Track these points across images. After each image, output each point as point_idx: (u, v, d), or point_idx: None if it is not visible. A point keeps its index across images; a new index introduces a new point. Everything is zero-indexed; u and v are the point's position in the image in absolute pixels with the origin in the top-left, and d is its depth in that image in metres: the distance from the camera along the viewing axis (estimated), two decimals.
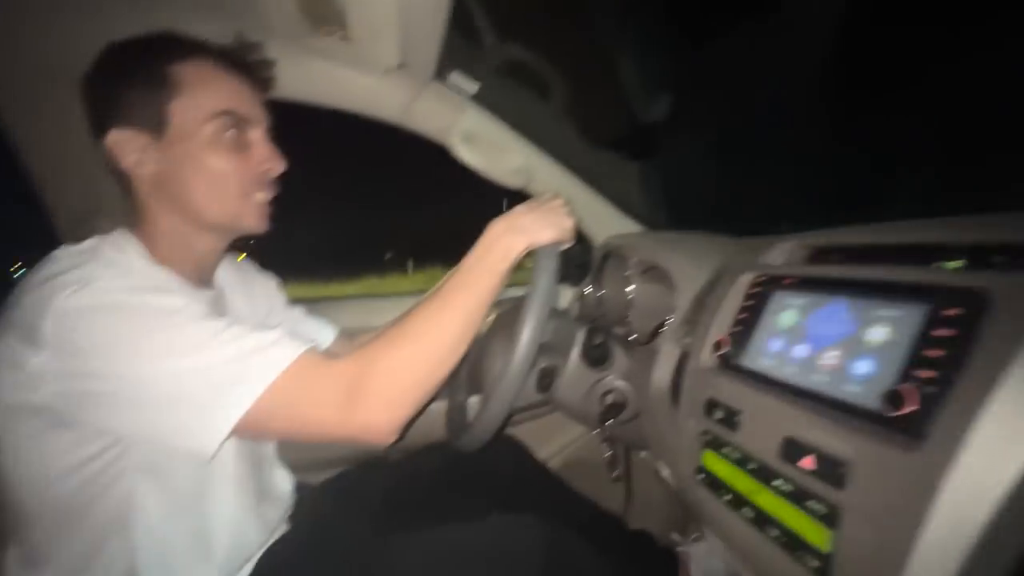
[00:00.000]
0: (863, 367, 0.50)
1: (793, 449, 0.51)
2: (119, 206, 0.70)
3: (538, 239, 0.68)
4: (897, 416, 0.43)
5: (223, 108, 0.65)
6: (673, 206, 1.38)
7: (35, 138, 0.96)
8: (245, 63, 0.70)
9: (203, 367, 0.52)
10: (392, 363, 0.58)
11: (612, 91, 1.51)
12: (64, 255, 0.57)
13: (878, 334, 0.50)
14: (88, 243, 0.60)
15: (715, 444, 0.63)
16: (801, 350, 0.58)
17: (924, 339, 0.45)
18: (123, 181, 0.67)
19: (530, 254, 0.74)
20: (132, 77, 0.62)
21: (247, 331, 0.55)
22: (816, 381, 0.54)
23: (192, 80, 0.64)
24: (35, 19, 0.80)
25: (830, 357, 0.54)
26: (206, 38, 0.69)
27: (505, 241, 0.67)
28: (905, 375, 0.45)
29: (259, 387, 0.52)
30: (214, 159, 0.65)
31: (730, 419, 0.60)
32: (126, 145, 0.63)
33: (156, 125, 0.63)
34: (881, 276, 0.53)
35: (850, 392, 0.50)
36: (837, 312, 0.56)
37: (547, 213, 0.70)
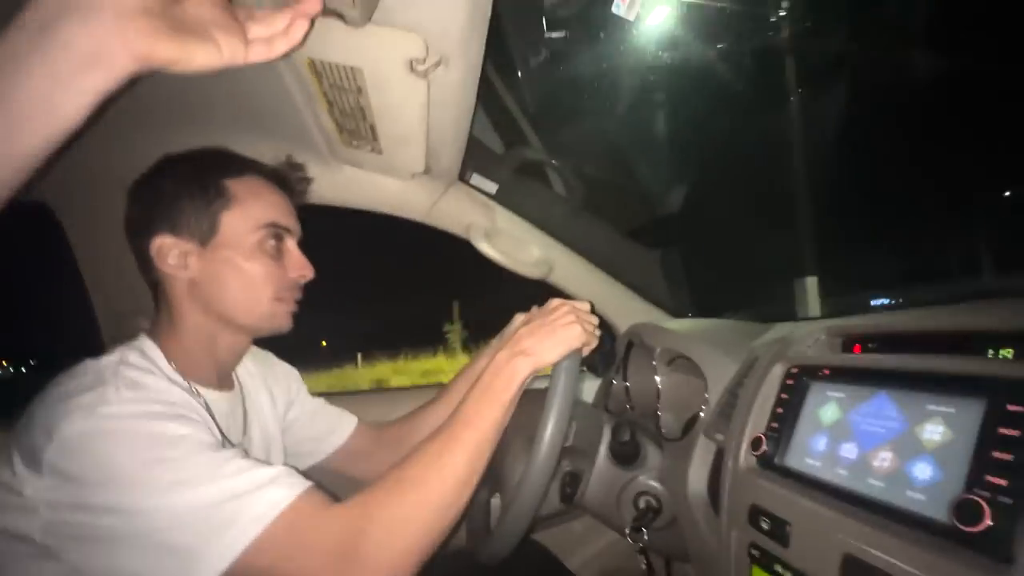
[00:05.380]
0: (923, 471, 0.45)
1: (857, 571, 0.45)
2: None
3: (544, 360, 0.65)
4: (974, 532, 0.37)
5: (269, 220, 0.69)
6: (695, 291, 1.37)
7: (87, 241, 1.05)
8: (289, 181, 0.76)
9: (197, 505, 0.49)
10: (393, 517, 0.54)
11: (629, 183, 1.58)
12: (83, 371, 0.57)
13: (933, 432, 0.45)
14: (112, 356, 0.60)
15: (765, 560, 0.56)
16: (849, 449, 0.53)
17: (988, 439, 0.41)
18: (156, 283, 0.69)
19: None
20: (190, 188, 0.66)
21: (247, 466, 0.53)
22: (872, 487, 0.48)
23: (244, 194, 0.69)
24: (93, 131, 0.90)
25: (884, 458, 0.49)
26: (253, 151, 0.76)
27: (508, 369, 0.64)
28: (972, 481, 0.40)
29: (251, 531, 0.49)
30: (254, 265, 0.68)
31: (779, 531, 0.54)
32: (170, 250, 0.66)
33: (205, 233, 0.67)
34: (926, 366, 0.50)
35: (913, 500, 0.44)
36: (882, 407, 0.51)
37: (552, 330, 0.67)
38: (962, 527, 0.38)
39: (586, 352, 0.70)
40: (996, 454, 0.40)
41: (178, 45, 0.40)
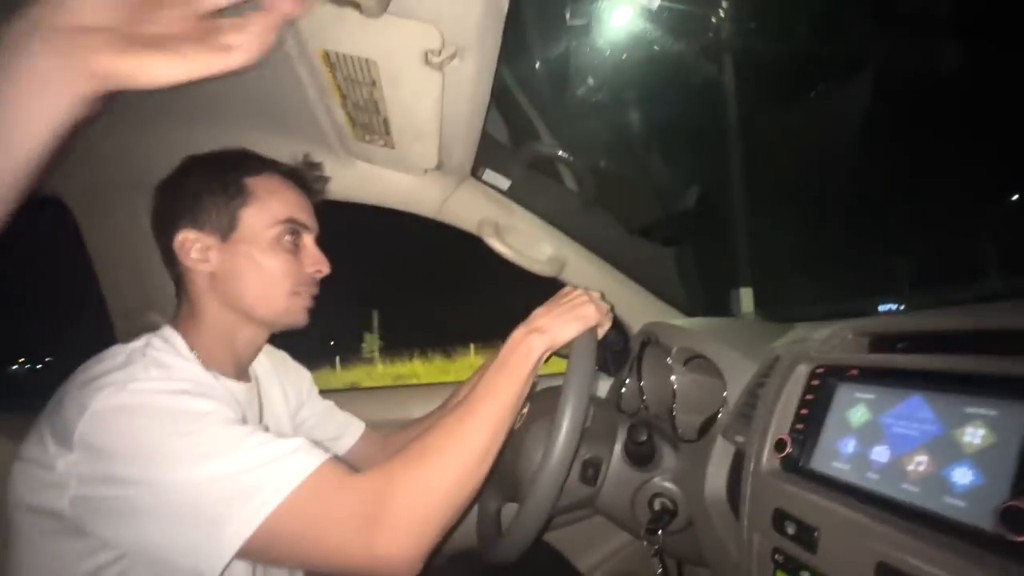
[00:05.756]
0: (963, 476, 0.43)
1: None
2: (169, 303, 0.73)
3: (559, 338, 0.67)
4: (1023, 542, 0.36)
5: (285, 216, 0.71)
6: (709, 290, 1.35)
7: (102, 238, 1.05)
8: (306, 180, 0.78)
9: (221, 474, 0.50)
10: (415, 483, 0.55)
11: (643, 180, 1.56)
12: (112, 354, 0.59)
13: (973, 436, 0.44)
14: (138, 342, 0.63)
15: (791, 566, 0.54)
16: (880, 453, 0.51)
17: None
18: (179, 277, 0.71)
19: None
20: (211, 186, 0.69)
21: (269, 439, 0.54)
22: (906, 492, 0.46)
23: (262, 192, 0.71)
24: (113, 135, 0.90)
25: (919, 462, 0.47)
26: (266, 146, 0.76)
27: (524, 345, 0.67)
28: (1019, 487, 0.38)
29: (275, 498, 0.50)
30: (271, 260, 0.70)
31: (806, 536, 0.52)
32: (192, 244, 0.68)
33: (225, 229, 0.69)
34: (963, 367, 0.48)
35: (952, 507, 0.42)
36: (916, 409, 0.49)
37: (566, 309, 0.69)
38: (1010, 536, 0.36)
39: (600, 333, 0.72)
40: None
41: (139, 61, 0.38)
